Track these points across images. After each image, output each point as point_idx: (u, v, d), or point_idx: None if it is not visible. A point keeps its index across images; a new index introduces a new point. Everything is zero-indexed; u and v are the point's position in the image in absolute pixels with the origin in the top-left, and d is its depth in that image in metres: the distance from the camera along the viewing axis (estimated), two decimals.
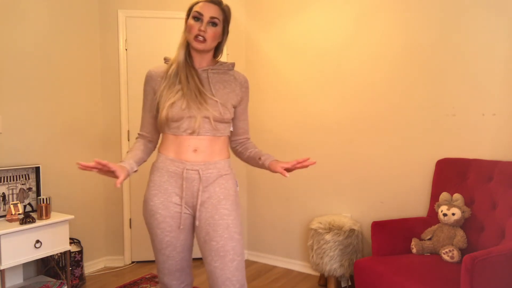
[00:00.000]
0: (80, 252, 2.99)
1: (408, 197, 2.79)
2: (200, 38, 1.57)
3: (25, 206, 2.74)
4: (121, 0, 3.35)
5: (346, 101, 3.04)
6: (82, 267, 3.00)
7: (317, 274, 3.12)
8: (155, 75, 1.70)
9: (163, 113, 1.58)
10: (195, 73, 1.62)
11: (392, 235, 2.44)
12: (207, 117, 1.57)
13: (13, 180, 2.71)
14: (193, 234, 1.70)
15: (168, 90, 1.61)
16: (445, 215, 2.32)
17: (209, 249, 1.57)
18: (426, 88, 2.70)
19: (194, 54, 1.65)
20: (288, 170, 1.58)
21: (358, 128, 2.99)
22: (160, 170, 1.63)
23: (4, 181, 2.66)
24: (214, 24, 1.59)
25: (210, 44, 1.61)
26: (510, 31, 2.40)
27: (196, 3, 1.61)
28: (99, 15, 3.33)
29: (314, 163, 1.54)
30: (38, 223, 2.51)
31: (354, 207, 3.04)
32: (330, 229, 2.78)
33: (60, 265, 2.80)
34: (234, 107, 1.69)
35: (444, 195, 2.39)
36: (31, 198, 2.79)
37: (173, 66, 1.64)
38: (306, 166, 1.55)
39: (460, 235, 2.27)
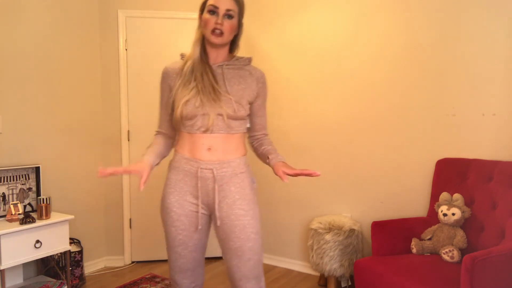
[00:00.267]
0: (80, 252, 2.99)
1: (408, 197, 2.79)
2: (217, 31, 1.56)
3: (25, 206, 2.74)
4: (121, 0, 3.35)
5: (346, 101, 3.04)
6: (82, 267, 3.00)
7: (317, 274, 3.12)
8: (170, 72, 1.69)
9: (178, 111, 1.57)
10: (209, 70, 1.61)
11: (392, 235, 2.44)
12: (221, 115, 1.56)
13: (13, 180, 2.71)
14: (208, 234, 1.69)
15: (183, 87, 1.60)
16: (445, 215, 2.32)
17: (227, 248, 1.60)
18: (426, 88, 2.70)
19: (209, 49, 1.64)
20: (290, 175, 1.57)
21: (358, 128, 2.99)
22: (176, 168, 1.64)
23: (4, 181, 2.66)
24: (230, 17, 1.58)
25: (228, 37, 1.60)
26: (510, 31, 2.40)
27: None
28: (99, 15, 3.33)
29: (319, 175, 1.51)
30: (38, 223, 2.51)
31: (354, 207, 3.04)
32: (330, 229, 2.78)
33: (60, 265, 2.80)
34: (250, 103, 1.66)
35: (444, 195, 2.39)
36: (31, 198, 2.79)
37: (188, 63, 1.63)
38: (311, 176, 1.53)
39: (460, 235, 2.27)
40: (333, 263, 2.70)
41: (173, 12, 3.41)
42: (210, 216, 1.66)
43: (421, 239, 2.42)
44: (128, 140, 3.42)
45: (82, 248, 3.03)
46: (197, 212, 1.61)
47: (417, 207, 2.74)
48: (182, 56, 1.71)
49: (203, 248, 1.69)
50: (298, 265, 3.30)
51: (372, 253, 2.43)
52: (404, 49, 2.78)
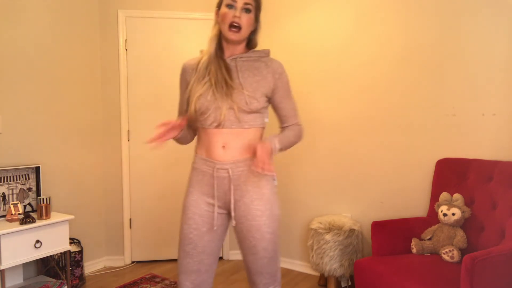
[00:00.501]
0: (80, 252, 2.99)
1: (408, 197, 2.79)
2: (234, 29, 1.56)
3: (25, 206, 2.74)
4: (121, 0, 3.35)
5: (346, 101, 3.04)
6: (82, 267, 3.00)
7: (317, 274, 3.12)
8: (188, 67, 1.70)
9: (192, 106, 1.59)
10: (223, 64, 1.61)
11: (392, 235, 2.44)
12: (232, 108, 1.56)
13: (13, 180, 2.71)
14: (221, 239, 1.68)
15: (198, 82, 1.61)
16: (445, 215, 2.32)
17: (243, 245, 1.64)
18: (426, 88, 2.70)
19: (225, 46, 1.64)
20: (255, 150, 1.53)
21: (358, 128, 2.99)
22: (195, 169, 1.67)
23: (4, 181, 2.66)
24: (248, 11, 1.58)
25: (245, 32, 1.59)
26: (510, 31, 2.40)
27: None
28: (99, 15, 3.33)
29: (271, 174, 1.51)
30: (38, 223, 2.51)
31: (354, 207, 3.04)
32: (330, 229, 2.78)
33: (60, 265, 2.80)
34: (268, 96, 1.64)
35: (444, 195, 2.39)
36: (31, 198, 2.79)
37: (204, 58, 1.64)
38: (263, 170, 1.48)
39: (460, 235, 2.27)
40: (333, 263, 2.70)
41: (173, 12, 3.41)
42: (228, 216, 1.66)
43: (421, 239, 2.42)
44: (128, 140, 3.42)
45: (82, 248, 3.03)
46: (213, 212, 1.62)
47: (417, 207, 2.74)
48: (202, 52, 1.71)
49: (213, 252, 1.65)
50: (298, 265, 3.30)
51: (372, 253, 2.43)
52: (404, 49, 2.78)
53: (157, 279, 3.10)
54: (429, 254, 2.34)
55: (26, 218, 2.47)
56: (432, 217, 2.49)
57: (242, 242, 1.64)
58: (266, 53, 1.69)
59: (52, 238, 2.57)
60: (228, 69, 1.60)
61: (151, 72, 3.43)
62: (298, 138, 1.74)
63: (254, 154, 1.53)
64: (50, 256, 2.73)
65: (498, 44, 2.44)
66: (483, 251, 1.85)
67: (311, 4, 3.19)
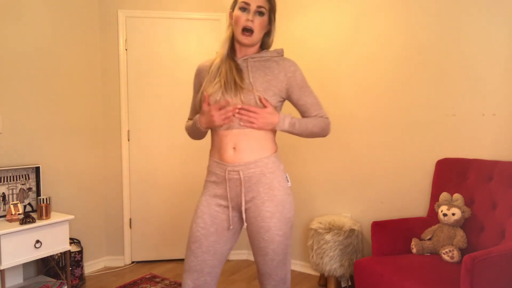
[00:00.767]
0: (80, 252, 2.99)
1: (408, 197, 2.79)
2: (247, 32, 1.57)
3: (25, 206, 2.74)
4: (121, 0, 3.35)
5: (346, 101, 3.04)
6: (82, 267, 3.00)
7: (317, 274, 3.12)
8: (201, 69, 1.73)
9: (202, 106, 1.62)
10: (234, 65, 1.62)
11: (392, 235, 2.44)
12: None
13: (13, 180, 2.71)
14: (229, 242, 1.66)
15: (210, 84, 1.63)
16: (445, 215, 2.32)
17: (253, 246, 1.65)
18: (426, 88, 2.70)
19: (238, 47, 1.65)
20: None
21: (358, 128, 2.99)
22: (210, 172, 1.69)
23: (4, 181, 2.66)
24: (261, 14, 1.59)
25: (257, 35, 1.60)
26: (510, 31, 2.40)
27: None
28: (99, 15, 3.33)
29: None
30: (38, 223, 2.51)
31: (354, 207, 3.04)
32: (330, 229, 2.78)
33: (60, 265, 2.80)
34: (281, 95, 1.64)
35: (444, 195, 2.39)
36: (31, 198, 2.79)
37: (217, 60, 1.66)
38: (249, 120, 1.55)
39: (460, 235, 2.27)
40: (333, 263, 2.70)
41: (173, 12, 3.41)
42: (241, 220, 1.66)
43: (421, 239, 2.42)
44: (128, 140, 3.42)
45: (82, 248, 3.03)
46: (224, 214, 1.63)
47: (417, 207, 2.74)
48: (216, 53, 1.72)
49: (217, 254, 1.63)
50: (298, 265, 3.30)
51: (372, 253, 2.43)
52: (404, 49, 2.78)
53: (157, 279, 3.10)
54: (429, 254, 2.34)
55: (26, 218, 2.47)
56: (432, 217, 2.49)
57: (252, 243, 1.65)
58: (279, 52, 1.69)
59: (52, 238, 2.57)
60: (239, 70, 1.61)
61: (151, 72, 3.43)
62: (319, 128, 1.70)
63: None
64: (50, 256, 2.73)
65: (498, 44, 2.44)
66: (483, 251, 1.84)
67: (311, 4, 3.19)
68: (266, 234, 1.59)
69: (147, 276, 3.17)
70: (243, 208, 1.60)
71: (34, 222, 2.50)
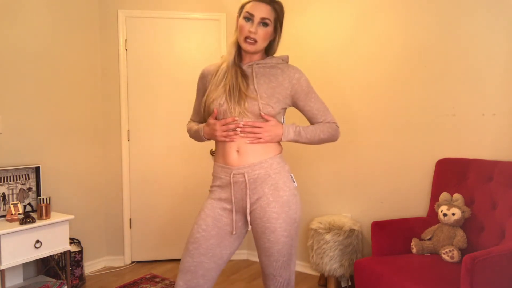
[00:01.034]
0: (80, 252, 2.99)
1: (408, 197, 2.79)
2: (250, 40, 1.57)
3: (25, 206, 2.73)
4: (121, 0, 3.35)
5: (346, 101, 3.04)
6: (82, 267, 3.00)
7: (317, 274, 3.12)
8: (206, 73, 1.74)
9: (206, 110, 1.64)
10: (239, 71, 1.62)
11: (392, 235, 2.44)
12: (245, 114, 1.57)
13: (13, 180, 2.71)
14: (230, 245, 1.65)
15: (215, 88, 1.63)
16: (445, 215, 2.32)
17: (258, 246, 1.65)
18: (426, 88, 2.70)
19: (244, 53, 1.65)
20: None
21: (358, 128, 2.99)
22: (215, 177, 1.69)
23: (4, 181, 2.66)
24: (265, 25, 1.59)
25: (261, 44, 1.61)
26: (510, 31, 2.40)
27: (248, 2, 1.60)
28: (99, 15, 3.33)
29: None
30: (38, 223, 2.51)
31: (354, 207, 3.04)
32: (330, 229, 2.78)
33: (60, 265, 2.80)
34: (286, 102, 1.65)
35: (444, 195, 2.39)
36: (31, 198, 2.79)
37: (223, 65, 1.66)
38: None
39: (460, 235, 2.27)
40: (333, 263, 2.70)
41: (173, 12, 3.41)
42: (245, 224, 1.65)
43: (421, 239, 2.42)
44: (128, 140, 3.42)
45: (82, 248, 3.03)
46: (228, 218, 1.63)
47: (417, 207, 2.74)
48: (222, 58, 1.73)
49: (215, 257, 1.61)
50: (298, 265, 3.30)
51: (372, 253, 2.43)
52: (404, 49, 2.78)
53: (157, 279, 3.10)
54: (429, 254, 2.34)
55: (26, 218, 2.47)
56: (432, 217, 2.49)
57: (257, 243, 1.65)
58: (284, 59, 1.70)
59: (52, 238, 2.57)
60: (244, 76, 1.61)
61: (151, 72, 3.43)
62: (327, 134, 1.71)
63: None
64: (50, 256, 2.73)
65: (498, 44, 2.44)
66: (483, 251, 1.84)
67: (311, 4, 3.19)
68: (271, 235, 1.58)
69: (147, 276, 3.17)
70: (247, 211, 1.60)
71: (34, 222, 2.50)
